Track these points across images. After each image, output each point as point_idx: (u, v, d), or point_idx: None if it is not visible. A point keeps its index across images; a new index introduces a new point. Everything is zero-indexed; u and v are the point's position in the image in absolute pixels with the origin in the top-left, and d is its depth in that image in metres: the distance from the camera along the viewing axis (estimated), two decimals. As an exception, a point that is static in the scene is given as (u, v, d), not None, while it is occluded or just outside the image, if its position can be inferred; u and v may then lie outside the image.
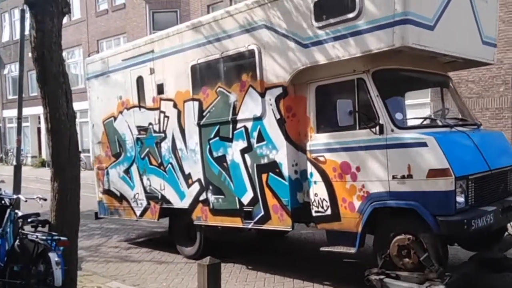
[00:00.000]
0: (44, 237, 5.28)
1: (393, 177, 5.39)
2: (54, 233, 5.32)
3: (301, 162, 6.37)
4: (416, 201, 5.21)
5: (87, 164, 22.98)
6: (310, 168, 6.18)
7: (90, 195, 11.02)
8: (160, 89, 7.98)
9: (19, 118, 10.41)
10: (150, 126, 8.25)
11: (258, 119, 6.60)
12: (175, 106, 7.77)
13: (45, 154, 28.50)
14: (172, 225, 8.54)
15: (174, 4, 22.27)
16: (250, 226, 6.97)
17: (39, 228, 5.59)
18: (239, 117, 6.84)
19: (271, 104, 6.44)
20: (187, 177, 7.69)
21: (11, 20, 32.23)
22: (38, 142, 31.15)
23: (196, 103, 7.40)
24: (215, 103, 7.15)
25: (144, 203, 8.55)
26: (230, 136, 6.97)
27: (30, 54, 5.61)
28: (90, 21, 26.85)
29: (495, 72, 12.89)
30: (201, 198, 7.49)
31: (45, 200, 5.98)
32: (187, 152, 7.63)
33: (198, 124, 7.40)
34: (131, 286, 6.73)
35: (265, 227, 6.76)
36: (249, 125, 6.73)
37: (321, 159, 6.06)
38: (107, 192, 9.41)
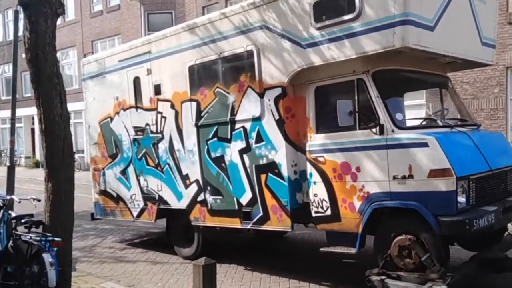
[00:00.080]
0: (38, 238, 5.22)
1: (394, 178, 5.37)
2: (48, 234, 5.27)
3: (300, 162, 6.34)
4: (417, 202, 5.20)
5: (81, 165, 22.95)
6: (309, 169, 6.16)
7: (84, 196, 10.98)
8: (157, 89, 7.94)
9: (13, 119, 10.31)
10: (147, 127, 8.20)
11: (257, 120, 6.57)
12: (172, 106, 7.73)
13: (39, 155, 28.33)
14: (170, 226, 8.48)
15: (169, 5, 22.22)
16: (249, 226, 6.94)
17: (33, 229, 5.52)
18: (237, 117, 6.80)
19: (270, 105, 6.41)
20: (184, 177, 7.64)
21: (5, 21, 32.00)
22: (32, 143, 30.97)
23: (194, 104, 7.36)
24: (213, 104, 7.12)
25: (141, 204, 8.50)
26: (229, 137, 6.93)
27: (24, 55, 5.55)
28: (84, 22, 26.70)
29: (490, 74, 12.96)
30: (199, 198, 7.44)
31: (39, 201, 5.93)
32: (185, 152, 7.58)
33: (196, 125, 7.35)
34: (126, 287, 6.69)
35: (264, 227, 6.73)
36: (247, 125, 6.70)
37: (321, 159, 6.03)
38: (104, 193, 9.33)
